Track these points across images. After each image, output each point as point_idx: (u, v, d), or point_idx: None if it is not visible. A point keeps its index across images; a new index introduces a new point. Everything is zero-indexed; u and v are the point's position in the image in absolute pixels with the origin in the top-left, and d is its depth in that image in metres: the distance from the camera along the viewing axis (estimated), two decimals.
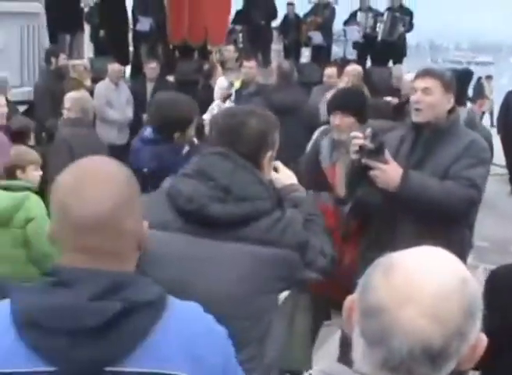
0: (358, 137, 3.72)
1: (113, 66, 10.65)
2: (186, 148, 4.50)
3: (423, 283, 1.36)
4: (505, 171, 11.68)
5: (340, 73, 8.87)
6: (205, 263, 2.48)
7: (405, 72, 10.14)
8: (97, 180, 1.69)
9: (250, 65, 9.12)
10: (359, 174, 3.84)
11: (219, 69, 10.59)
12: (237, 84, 9.24)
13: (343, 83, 8.26)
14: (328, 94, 7.99)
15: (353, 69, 8.88)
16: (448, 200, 3.71)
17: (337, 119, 4.59)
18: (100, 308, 1.61)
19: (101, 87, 10.15)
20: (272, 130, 2.72)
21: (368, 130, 3.75)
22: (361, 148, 3.70)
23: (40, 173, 4.91)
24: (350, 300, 1.48)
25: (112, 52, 11.95)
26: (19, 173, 4.76)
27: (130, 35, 14.70)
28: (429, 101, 3.88)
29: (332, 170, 4.64)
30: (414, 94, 3.94)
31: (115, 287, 1.65)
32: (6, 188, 4.44)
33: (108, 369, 1.63)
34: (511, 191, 11.56)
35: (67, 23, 13.77)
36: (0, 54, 12.67)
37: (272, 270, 2.51)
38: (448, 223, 3.78)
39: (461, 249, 3.79)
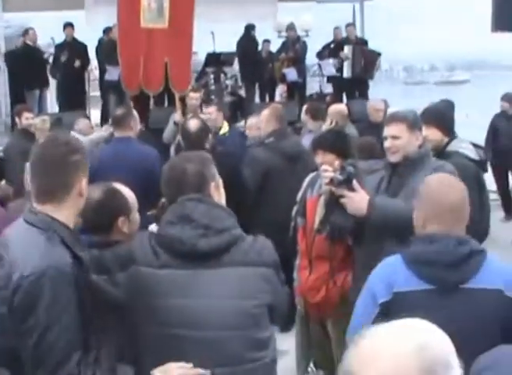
0: (328, 170, 4.35)
1: (84, 122, 10.53)
2: None
3: (383, 349, 1.56)
4: (496, 197, 11.31)
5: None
6: (210, 288, 2.96)
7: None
8: None
9: (209, 111, 8.92)
10: (332, 203, 4.35)
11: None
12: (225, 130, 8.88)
13: (326, 124, 7.93)
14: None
15: (335, 109, 8.57)
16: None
17: (319, 158, 4.95)
18: (459, 252, 3.04)
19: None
20: (207, 166, 3.20)
21: (337, 163, 4.49)
22: (332, 180, 4.26)
23: None
24: None
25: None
26: None
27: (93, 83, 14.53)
28: (399, 144, 4.42)
29: (313, 202, 4.98)
30: (386, 140, 4.47)
31: (462, 241, 3.09)
32: None
33: (460, 286, 3.00)
34: (504, 217, 11.31)
35: (34, 79, 13.45)
36: None
37: (256, 286, 3.01)
38: None
39: None
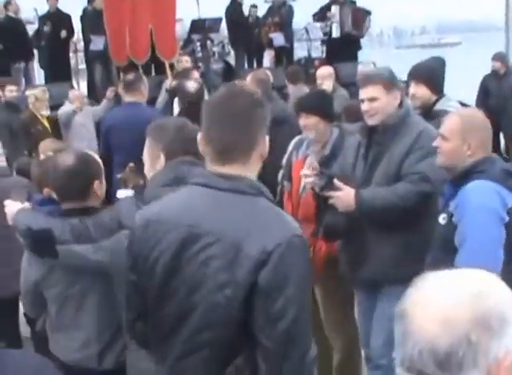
0: (308, 176, 4.34)
1: (74, 92, 10.54)
2: None
3: (438, 292, 1.51)
4: None
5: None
6: None
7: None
8: None
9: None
10: (321, 204, 4.42)
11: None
12: None
13: (325, 86, 7.87)
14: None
15: (328, 71, 8.53)
16: (402, 201, 4.09)
17: (302, 120, 4.85)
18: None
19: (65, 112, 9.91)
20: None
21: (315, 164, 4.45)
22: (313, 186, 4.33)
23: None
24: None
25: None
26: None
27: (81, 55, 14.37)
28: (376, 106, 4.23)
29: (299, 164, 4.90)
30: (362, 104, 4.29)
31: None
32: None
33: None
34: None
35: (18, 52, 13.26)
36: None
37: None
38: (406, 228, 4.16)
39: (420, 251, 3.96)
